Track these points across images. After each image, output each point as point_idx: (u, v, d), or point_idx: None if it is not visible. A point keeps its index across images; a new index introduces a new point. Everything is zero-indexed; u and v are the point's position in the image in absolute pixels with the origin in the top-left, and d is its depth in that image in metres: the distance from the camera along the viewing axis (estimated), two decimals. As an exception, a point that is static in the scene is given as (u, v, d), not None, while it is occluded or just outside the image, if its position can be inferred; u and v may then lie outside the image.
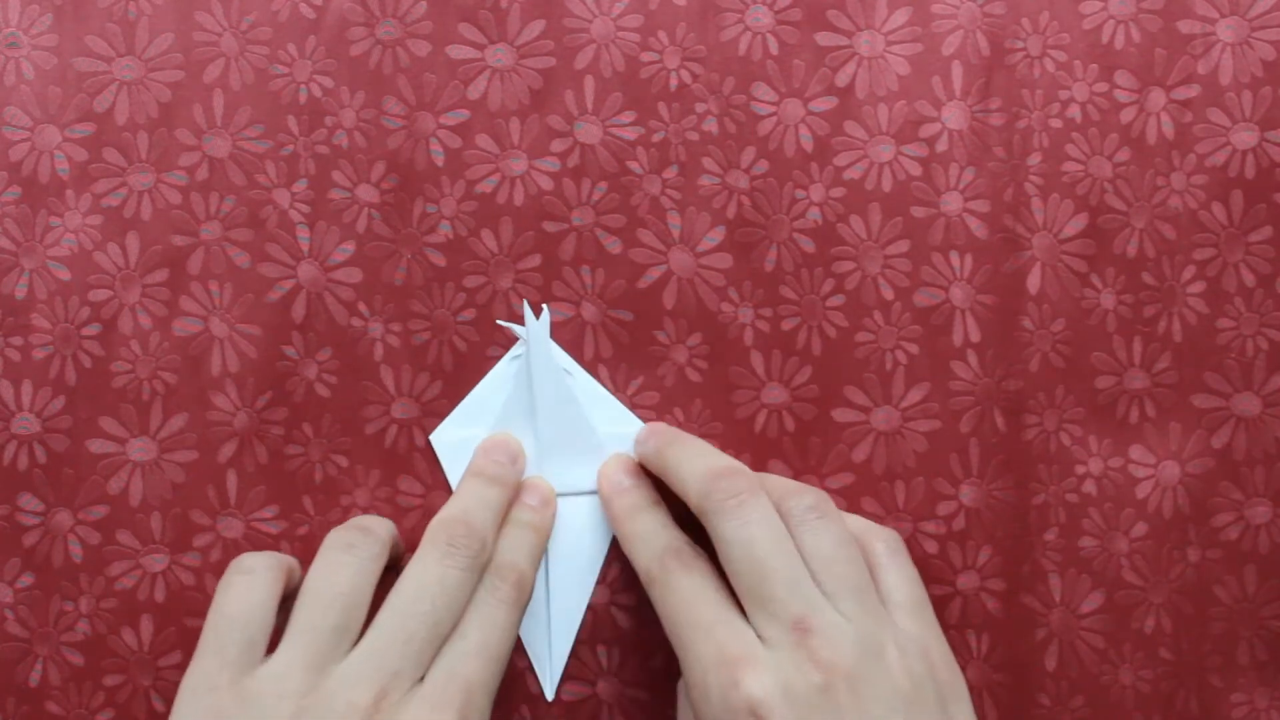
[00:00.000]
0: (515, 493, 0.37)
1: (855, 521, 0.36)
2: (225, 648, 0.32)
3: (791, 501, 0.34)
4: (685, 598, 0.33)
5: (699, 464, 0.35)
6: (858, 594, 0.33)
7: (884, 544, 0.35)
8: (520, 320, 0.38)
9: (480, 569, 0.34)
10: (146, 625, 0.37)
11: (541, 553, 0.37)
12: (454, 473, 0.37)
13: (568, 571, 0.37)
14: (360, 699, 0.31)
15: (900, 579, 0.35)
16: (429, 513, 0.38)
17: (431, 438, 0.37)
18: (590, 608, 0.38)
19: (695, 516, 0.34)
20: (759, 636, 0.32)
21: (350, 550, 0.34)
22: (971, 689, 0.38)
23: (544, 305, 0.37)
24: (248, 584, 0.33)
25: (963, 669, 0.38)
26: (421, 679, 0.32)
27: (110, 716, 0.37)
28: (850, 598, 0.33)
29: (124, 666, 0.37)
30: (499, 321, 0.37)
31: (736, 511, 0.33)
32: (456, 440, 0.37)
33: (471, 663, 0.32)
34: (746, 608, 0.33)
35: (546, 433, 0.37)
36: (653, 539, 0.35)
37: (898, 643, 0.32)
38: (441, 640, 0.33)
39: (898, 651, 0.32)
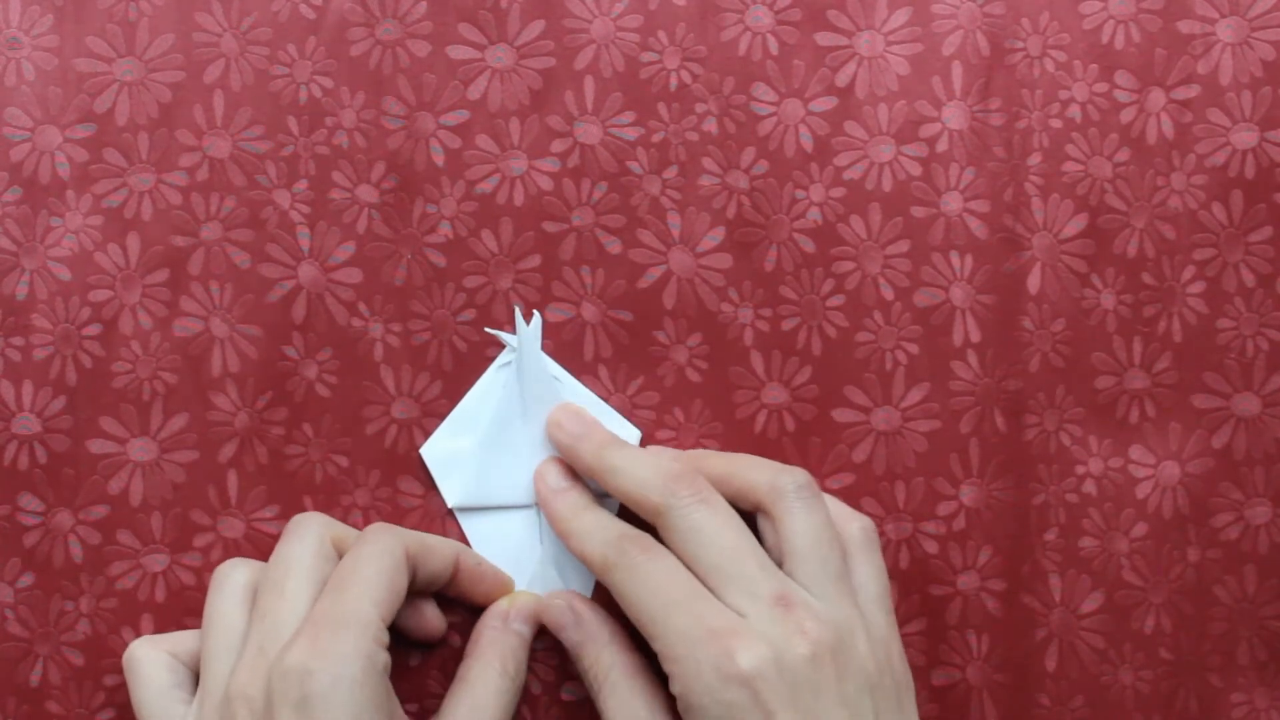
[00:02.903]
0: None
1: (832, 504, 0.36)
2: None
3: (785, 478, 0.34)
4: (656, 579, 0.33)
5: (651, 464, 0.35)
6: (834, 580, 0.33)
7: (860, 530, 0.35)
8: (507, 326, 0.37)
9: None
10: (147, 625, 0.37)
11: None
12: (446, 485, 0.37)
13: (563, 574, 0.37)
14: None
15: (871, 571, 0.35)
16: (428, 513, 0.38)
17: (422, 451, 0.37)
18: (590, 608, 0.38)
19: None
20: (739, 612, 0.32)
21: None
22: (971, 689, 0.38)
23: (534, 311, 0.37)
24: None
25: (963, 669, 0.38)
26: None
27: (111, 716, 0.37)
28: (826, 583, 0.33)
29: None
30: (488, 329, 0.37)
31: (702, 505, 0.34)
32: (446, 452, 0.37)
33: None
34: (720, 588, 0.33)
35: (539, 439, 0.37)
36: (605, 529, 0.35)
37: (866, 631, 0.33)
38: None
39: (866, 639, 0.33)
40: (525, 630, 0.36)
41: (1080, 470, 0.38)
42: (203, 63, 0.38)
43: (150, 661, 0.35)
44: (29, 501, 0.37)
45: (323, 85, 0.38)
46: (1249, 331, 0.39)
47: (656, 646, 0.33)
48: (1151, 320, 0.38)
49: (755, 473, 0.35)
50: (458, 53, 0.38)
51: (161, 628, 0.37)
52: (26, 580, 0.37)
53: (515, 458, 0.37)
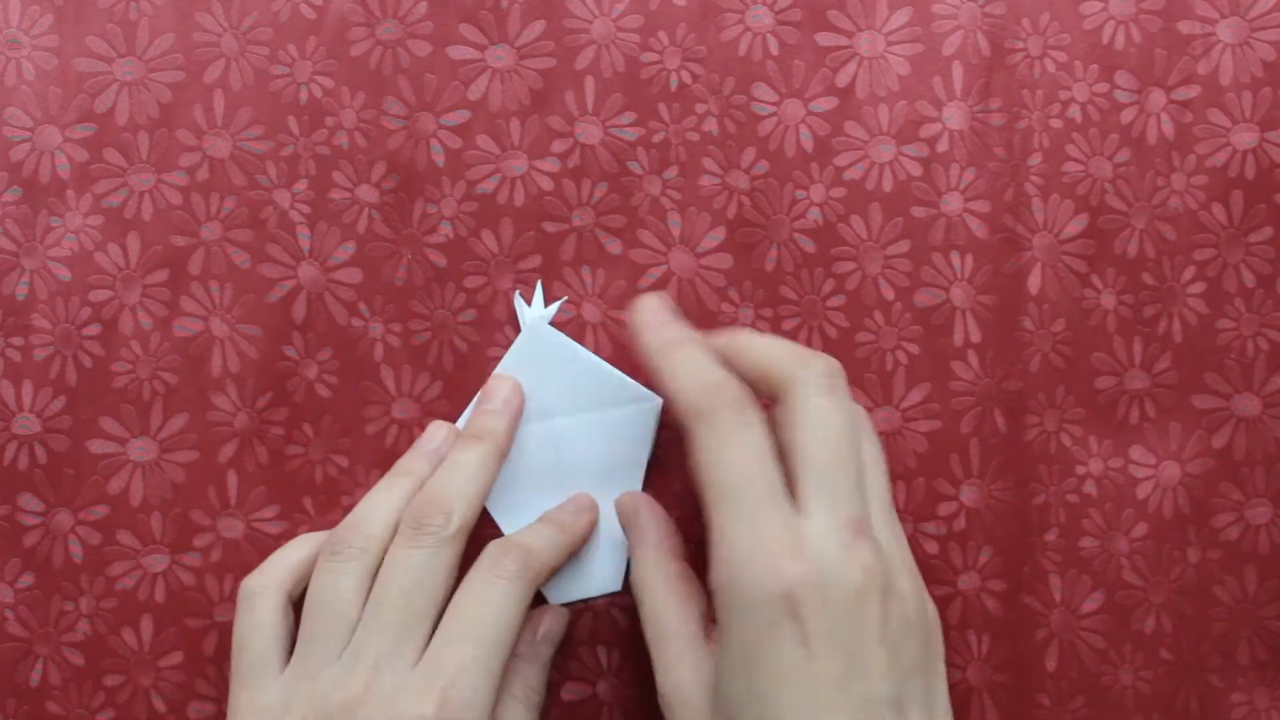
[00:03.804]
0: (505, 450, 0.36)
1: None
2: (239, 672, 0.34)
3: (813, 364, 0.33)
4: (737, 454, 0.31)
5: (780, 342, 0.33)
6: (889, 512, 0.33)
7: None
8: (508, 326, 0.37)
9: (457, 543, 0.34)
10: (147, 625, 0.37)
11: (564, 550, 0.36)
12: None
13: (612, 481, 0.37)
14: (346, 695, 0.32)
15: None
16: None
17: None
18: (590, 608, 0.38)
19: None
20: (806, 516, 0.31)
21: (336, 556, 0.34)
22: (971, 689, 0.38)
23: (537, 282, 0.38)
24: (248, 611, 0.35)
25: (963, 669, 0.38)
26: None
27: (110, 717, 0.37)
28: (884, 514, 0.33)
29: (124, 667, 0.37)
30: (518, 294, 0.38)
31: (830, 393, 0.32)
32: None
33: (458, 646, 0.32)
34: (805, 488, 0.31)
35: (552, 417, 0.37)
36: (704, 373, 0.32)
37: (911, 572, 0.32)
38: (428, 622, 0.33)
39: (910, 580, 0.32)
40: (548, 651, 0.36)
41: (1080, 470, 0.38)
42: (203, 63, 0.38)
43: (267, 607, 0.35)
44: (29, 501, 0.37)
45: (323, 85, 0.38)
46: (1249, 332, 0.39)
47: (711, 524, 0.31)
48: (1152, 320, 0.38)
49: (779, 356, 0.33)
50: (458, 53, 0.38)
51: (161, 628, 0.37)
52: (26, 580, 0.37)
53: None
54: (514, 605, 0.33)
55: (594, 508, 0.37)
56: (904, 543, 0.33)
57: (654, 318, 0.34)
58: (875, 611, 0.30)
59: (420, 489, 0.35)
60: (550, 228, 0.38)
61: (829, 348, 0.38)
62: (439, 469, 0.36)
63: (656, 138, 0.38)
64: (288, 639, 0.35)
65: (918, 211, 0.38)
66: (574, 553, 0.37)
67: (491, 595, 0.33)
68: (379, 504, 0.35)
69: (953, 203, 0.38)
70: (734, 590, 0.30)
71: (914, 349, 0.38)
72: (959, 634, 0.38)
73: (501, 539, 0.35)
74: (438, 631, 0.33)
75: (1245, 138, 0.38)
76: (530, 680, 0.36)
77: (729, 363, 0.33)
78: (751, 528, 0.30)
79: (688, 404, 0.32)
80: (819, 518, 0.31)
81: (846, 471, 0.31)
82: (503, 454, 0.36)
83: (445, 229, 0.38)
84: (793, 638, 0.29)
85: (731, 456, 0.31)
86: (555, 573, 0.36)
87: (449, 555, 0.34)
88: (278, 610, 0.35)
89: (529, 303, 0.38)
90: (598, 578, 0.38)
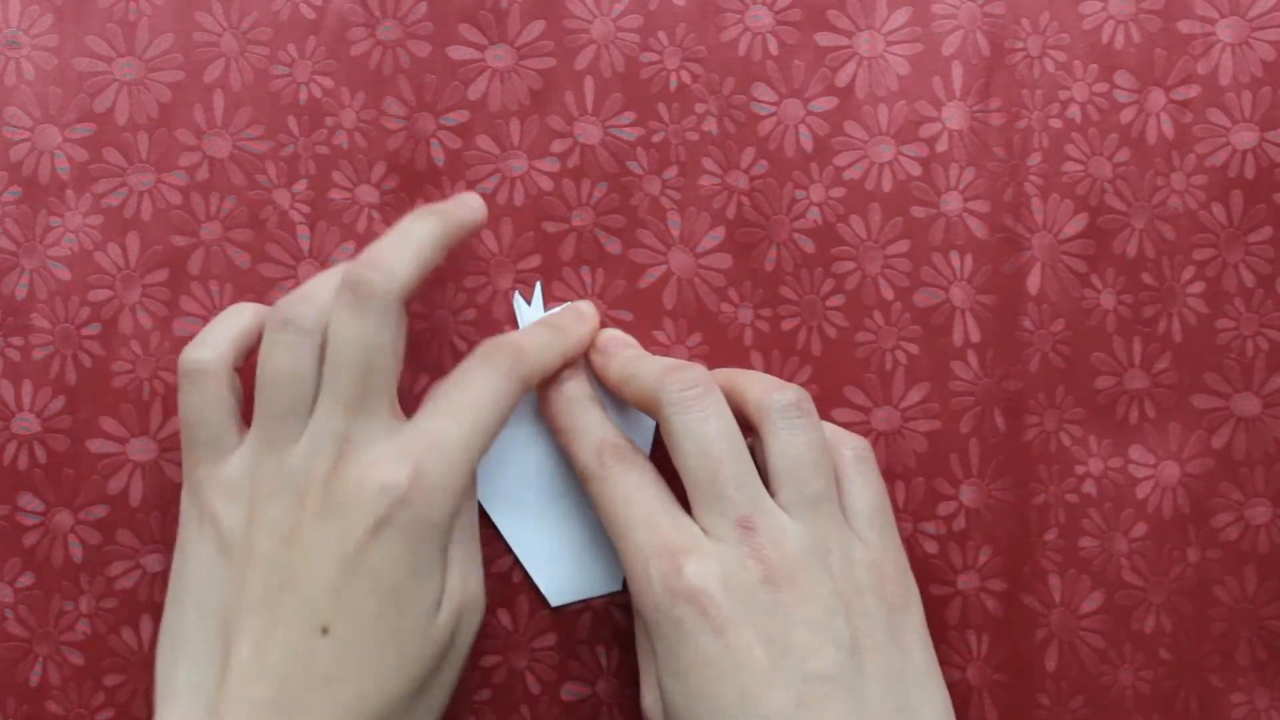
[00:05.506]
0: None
1: (827, 428, 0.35)
2: (194, 447, 0.33)
3: (774, 396, 0.34)
4: (626, 493, 0.33)
5: (654, 362, 0.35)
6: (815, 501, 0.33)
7: (851, 451, 0.35)
8: (509, 325, 0.38)
9: (400, 306, 0.32)
10: (146, 625, 0.37)
11: (559, 355, 0.35)
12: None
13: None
14: (318, 469, 0.31)
15: (861, 490, 0.34)
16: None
17: None
18: (590, 608, 0.38)
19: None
20: (703, 531, 0.32)
21: (286, 328, 0.32)
22: (971, 689, 0.38)
23: (537, 282, 0.38)
24: (197, 384, 0.33)
25: (963, 669, 0.38)
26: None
27: (110, 716, 0.37)
28: (806, 504, 0.33)
29: (124, 666, 0.37)
30: (518, 293, 0.38)
31: (691, 405, 0.33)
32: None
33: (441, 420, 0.32)
34: (694, 502, 0.33)
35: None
36: (591, 432, 0.35)
37: (845, 551, 0.33)
38: (387, 392, 0.32)
39: (842, 558, 0.32)
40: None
41: (1080, 470, 0.38)
42: (203, 62, 0.38)
43: (217, 380, 0.33)
44: (29, 501, 0.37)
45: (323, 85, 0.38)
46: (1249, 331, 0.39)
47: (622, 560, 0.33)
48: (1151, 320, 0.38)
49: (749, 389, 0.34)
50: (458, 53, 0.38)
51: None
52: (26, 580, 0.37)
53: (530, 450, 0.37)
54: (503, 398, 0.32)
55: (594, 316, 0.37)
56: (840, 526, 0.33)
57: (560, 377, 0.36)
58: (790, 598, 0.31)
59: None
60: (550, 228, 0.38)
61: (829, 348, 0.38)
62: (384, 237, 0.33)
63: (656, 138, 0.38)
64: (239, 410, 0.34)
65: (917, 211, 0.38)
66: (569, 362, 0.36)
67: (482, 384, 0.32)
68: (333, 278, 0.34)
69: (952, 202, 0.38)
70: (646, 599, 0.32)
71: (914, 349, 0.38)
72: (959, 634, 0.38)
73: (495, 337, 0.34)
74: (424, 406, 0.33)
75: (1245, 137, 0.38)
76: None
77: (621, 385, 0.35)
78: (650, 539, 0.32)
79: (580, 469, 0.35)
80: (708, 521, 0.32)
81: (723, 477, 0.32)
82: (451, 233, 0.34)
83: (445, 229, 0.38)
84: (706, 630, 0.31)
85: (623, 496, 0.33)
86: (545, 376, 0.35)
87: (394, 321, 0.32)
88: (226, 384, 0.33)
89: (529, 302, 0.38)
90: (598, 578, 0.38)
